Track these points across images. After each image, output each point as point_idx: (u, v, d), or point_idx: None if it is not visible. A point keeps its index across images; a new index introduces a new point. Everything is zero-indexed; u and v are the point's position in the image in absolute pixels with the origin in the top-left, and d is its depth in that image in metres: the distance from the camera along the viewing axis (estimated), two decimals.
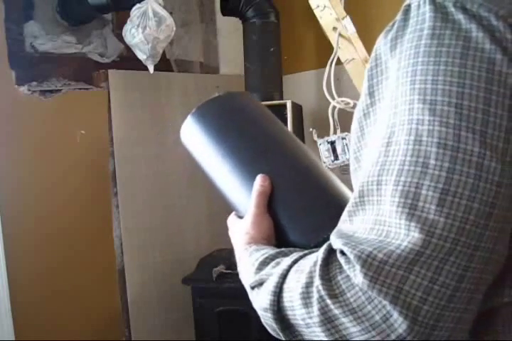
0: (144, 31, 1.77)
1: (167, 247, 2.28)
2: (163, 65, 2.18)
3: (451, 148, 0.44)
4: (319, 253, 0.48)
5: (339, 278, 0.45)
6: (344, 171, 2.21)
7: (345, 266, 0.45)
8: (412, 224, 0.43)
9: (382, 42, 0.52)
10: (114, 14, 2.14)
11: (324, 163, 1.87)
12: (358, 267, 0.43)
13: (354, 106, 1.76)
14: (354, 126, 0.55)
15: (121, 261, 2.17)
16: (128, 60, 2.09)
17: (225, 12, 2.19)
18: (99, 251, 2.12)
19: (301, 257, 0.53)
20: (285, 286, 0.51)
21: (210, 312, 1.96)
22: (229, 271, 1.92)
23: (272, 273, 0.53)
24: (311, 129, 1.93)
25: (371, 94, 0.52)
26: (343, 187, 0.69)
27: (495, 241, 0.44)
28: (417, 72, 0.47)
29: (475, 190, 0.43)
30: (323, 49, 1.87)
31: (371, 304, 0.43)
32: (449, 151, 0.44)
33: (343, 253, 0.46)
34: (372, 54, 0.53)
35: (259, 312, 0.54)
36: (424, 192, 0.44)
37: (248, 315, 1.84)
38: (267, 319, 0.53)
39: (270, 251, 0.59)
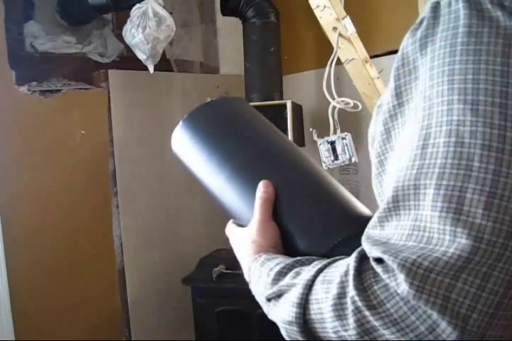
0: (144, 31, 1.77)
1: (167, 247, 2.28)
2: (163, 65, 2.18)
3: (496, 150, 0.42)
4: (350, 262, 0.46)
5: (376, 287, 0.43)
6: (344, 171, 2.21)
7: (383, 275, 0.43)
8: (459, 229, 0.41)
9: (409, 41, 0.50)
10: (114, 14, 2.14)
11: (324, 163, 1.87)
12: (401, 276, 0.41)
13: (354, 106, 1.76)
14: (379, 128, 0.53)
15: (121, 261, 2.17)
16: (128, 60, 2.09)
17: (225, 12, 2.19)
18: (99, 251, 2.12)
19: (325, 266, 0.50)
20: (312, 298, 0.48)
21: (210, 312, 1.96)
22: (229, 271, 1.92)
23: (294, 284, 0.51)
24: (311, 129, 1.93)
25: (398, 95, 0.50)
26: (345, 190, 0.67)
27: None
28: (455, 71, 0.45)
29: None
30: (323, 49, 1.87)
31: (415, 314, 0.41)
32: (494, 153, 0.42)
33: (378, 261, 0.44)
34: (399, 53, 0.51)
35: (281, 325, 0.52)
36: (469, 195, 0.42)
37: (248, 315, 1.84)
38: (291, 332, 0.50)
39: (285, 260, 0.57)
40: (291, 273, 0.53)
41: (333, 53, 1.74)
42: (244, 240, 0.64)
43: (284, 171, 0.66)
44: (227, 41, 2.52)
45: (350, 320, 0.44)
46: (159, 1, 1.81)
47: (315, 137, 1.88)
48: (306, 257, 0.56)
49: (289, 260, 0.56)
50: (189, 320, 2.05)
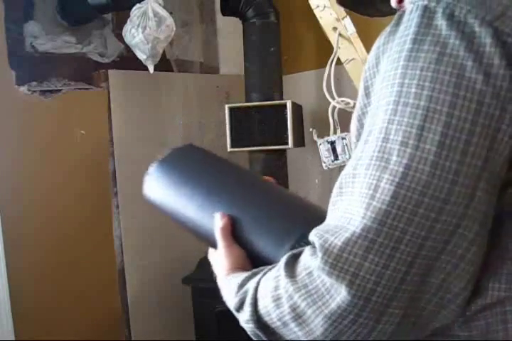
0: (144, 31, 1.77)
1: (167, 247, 2.28)
2: (163, 65, 2.18)
3: (411, 147, 0.48)
4: (282, 259, 0.54)
5: (304, 273, 0.50)
6: None
7: (310, 257, 0.50)
8: (368, 213, 0.48)
9: (376, 46, 0.55)
10: (114, 14, 2.14)
11: (324, 163, 1.87)
12: (320, 254, 0.49)
13: (354, 106, 1.76)
14: (355, 125, 0.58)
15: (121, 261, 2.17)
16: (128, 60, 2.09)
17: (225, 12, 2.19)
18: (99, 251, 2.12)
19: (269, 269, 0.57)
20: (258, 296, 0.55)
21: (210, 312, 1.96)
22: None
23: (248, 289, 0.58)
24: (311, 129, 1.93)
25: (368, 95, 0.56)
26: (300, 199, 0.74)
27: (448, 233, 0.47)
28: (397, 75, 0.50)
29: (427, 186, 0.47)
30: (323, 49, 1.87)
31: (329, 293, 0.48)
32: (410, 149, 0.48)
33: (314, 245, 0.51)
34: (369, 56, 0.57)
35: (244, 326, 0.58)
36: (382, 184, 0.48)
37: None
38: (251, 331, 0.57)
39: (245, 274, 0.62)
40: (248, 282, 0.60)
41: (333, 53, 1.74)
42: (217, 266, 0.71)
43: (240, 199, 0.73)
44: (227, 41, 2.52)
45: (286, 306, 0.51)
46: (159, 1, 1.81)
47: (315, 137, 1.88)
48: (261, 268, 0.62)
49: (248, 273, 0.62)
50: (189, 320, 2.05)
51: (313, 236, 0.51)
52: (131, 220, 2.18)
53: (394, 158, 0.48)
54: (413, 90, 0.49)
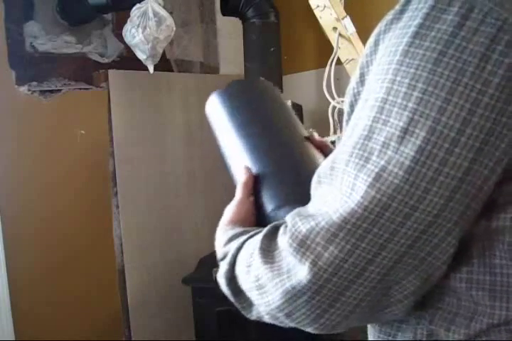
0: (144, 31, 1.77)
1: (167, 247, 2.28)
2: (163, 65, 2.18)
3: (392, 149, 0.46)
4: (264, 230, 0.55)
5: (276, 250, 0.52)
6: None
7: (282, 236, 0.52)
8: (340, 209, 0.47)
9: (376, 32, 0.51)
10: (114, 14, 2.14)
11: None
12: (287, 235, 0.50)
13: None
14: (346, 109, 0.57)
15: (121, 261, 2.17)
16: (128, 60, 2.09)
17: (225, 12, 2.20)
18: (99, 251, 2.12)
19: (256, 233, 0.58)
20: (238, 258, 0.58)
21: (210, 312, 1.96)
22: None
23: (232, 247, 0.60)
24: (311, 129, 1.92)
25: (362, 83, 0.53)
26: None
27: (413, 238, 0.47)
28: (390, 70, 0.47)
29: (397, 191, 0.46)
30: (323, 49, 1.87)
31: (290, 272, 0.49)
32: (390, 151, 0.46)
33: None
34: (368, 41, 0.53)
35: (219, 281, 0.61)
36: (357, 183, 0.47)
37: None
38: (222, 286, 0.60)
39: (239, 230, 0.64)
40: (236, 239, 0.62)
41: (333, 53, 1.74)
42: (225, 213, 0.71)
43: (273, 158, 0.74)
44: (227, 41, 2.52)
45: (252, 274, 0.53)
46: (159, 1, 1.81)
47: None
48: (253, 227, 0.64)
49: (241, 229, 0.64)
50: (189, 320, 2.05)
51: (288, 215, 0.53)
52: (131, 220, 2.18)
53: (373, 158, 0.47)
54: (403, 89, 0.46)
